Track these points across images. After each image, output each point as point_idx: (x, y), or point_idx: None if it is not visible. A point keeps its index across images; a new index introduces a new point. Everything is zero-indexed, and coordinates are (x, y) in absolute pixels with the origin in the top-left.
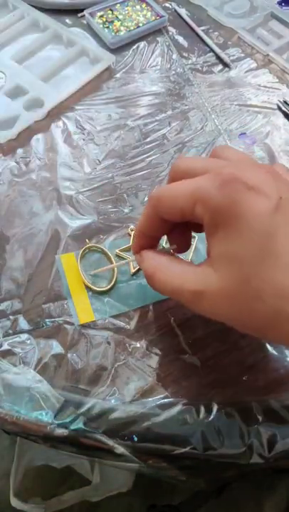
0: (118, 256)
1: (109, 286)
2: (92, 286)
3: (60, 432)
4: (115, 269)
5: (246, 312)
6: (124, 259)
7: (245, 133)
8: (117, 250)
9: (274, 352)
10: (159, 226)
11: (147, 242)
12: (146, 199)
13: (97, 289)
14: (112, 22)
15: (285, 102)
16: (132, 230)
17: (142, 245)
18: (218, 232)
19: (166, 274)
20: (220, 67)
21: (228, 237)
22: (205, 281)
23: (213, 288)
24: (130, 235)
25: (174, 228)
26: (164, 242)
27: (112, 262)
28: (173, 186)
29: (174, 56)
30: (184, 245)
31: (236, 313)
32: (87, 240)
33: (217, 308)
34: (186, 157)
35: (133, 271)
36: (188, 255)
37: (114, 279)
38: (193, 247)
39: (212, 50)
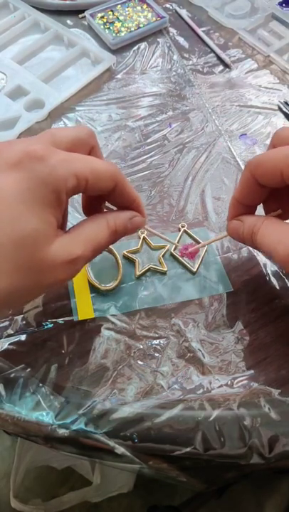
0: (125, 257)
1: (112, 286)
2: (96, 284)
3: (61, 432)
4: (120, 269)
5: None
6: (131, 260)
7: (245, 134)
8: (124, 252)
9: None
10: (255, 193)
11: (242, 212)
12: (147, 200)
13: (101, 287)
14: (113, 23)
15: (286, 103)
16: (142, 233)
17: (237, 215)
18: None
19: (265, 232)
20: (220, 68)
21: None
22: None
23: None
24: (139, 238)
25: (270, 197)
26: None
27: (118, 263)
28: (274, 151)
29: (175, 57)
30: (286, 212)
31: None
32: None
33: None
34: None
35: (138, 273)
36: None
37: (118, 280)
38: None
39: (213, 51)
